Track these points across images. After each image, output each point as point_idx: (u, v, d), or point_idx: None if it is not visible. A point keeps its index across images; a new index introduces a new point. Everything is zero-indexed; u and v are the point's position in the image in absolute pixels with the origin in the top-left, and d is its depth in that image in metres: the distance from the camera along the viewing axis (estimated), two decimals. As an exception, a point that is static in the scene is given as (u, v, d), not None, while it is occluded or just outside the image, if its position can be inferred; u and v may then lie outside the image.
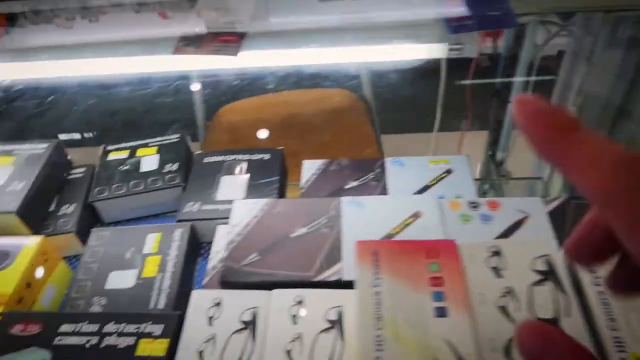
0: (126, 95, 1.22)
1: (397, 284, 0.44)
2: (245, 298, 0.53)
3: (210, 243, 0.70)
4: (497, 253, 0.47)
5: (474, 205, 0.61)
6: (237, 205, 0.63)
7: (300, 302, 0.52)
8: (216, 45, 0.68)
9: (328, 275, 0.55)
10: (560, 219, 0.59)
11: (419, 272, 0.44)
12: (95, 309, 0.57)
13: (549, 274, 0.46)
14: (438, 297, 0.43)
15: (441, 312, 0.42)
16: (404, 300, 0.43)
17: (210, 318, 0.52)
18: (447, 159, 0.73)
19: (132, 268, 0.61)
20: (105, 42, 0.79)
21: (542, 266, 0.46)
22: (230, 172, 0.73)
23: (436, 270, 0.44)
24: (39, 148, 0.72)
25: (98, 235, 0.65)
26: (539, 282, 0.46)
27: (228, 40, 0.69)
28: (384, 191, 0.68)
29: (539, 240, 0.50)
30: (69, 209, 0.69)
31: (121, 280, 0.60)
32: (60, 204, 0.70)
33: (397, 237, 0.58)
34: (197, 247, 0.68)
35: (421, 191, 0.68)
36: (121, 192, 0.71)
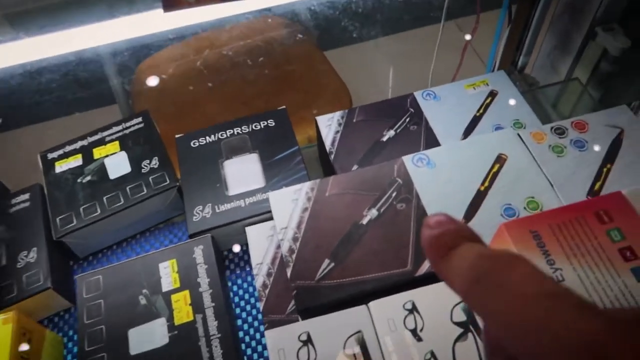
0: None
1: (583, 269, 0.32)
2: (338, 324, 0.40)
3: (231, 251, 0.55)
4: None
5: (560, 131, 0.50)
6: (275, 199, 0.47)
7: (412, 309, 0.40)
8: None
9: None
10: (654, 125, 0.50)
11: (602, 247, 0.33)
12: (129, 388, 0.42)
13: None
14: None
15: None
16: (598, 289, 0.32)
17: (307, 364, 0.39)
18: (484, 79, 0.60)
19: (157, 317, 0.45)
20: None
21: None
22: (232, 153, 0.56)
23: (621, 239, 0.33)
24: (-45, 183, 0.50)
25: (88, 284, 0.47)
26: None
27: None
28: (430, 134, 0.55)
29: None
30: (30, 255, 0.50)
31: (148, 338, 0.44)
32: (14, 252, 0.50)
33: (491, 193, 0.46)
34: (222, 262, 0.53)
35: (472, 125, 0.56)
36: (95, 214, 0.52)
